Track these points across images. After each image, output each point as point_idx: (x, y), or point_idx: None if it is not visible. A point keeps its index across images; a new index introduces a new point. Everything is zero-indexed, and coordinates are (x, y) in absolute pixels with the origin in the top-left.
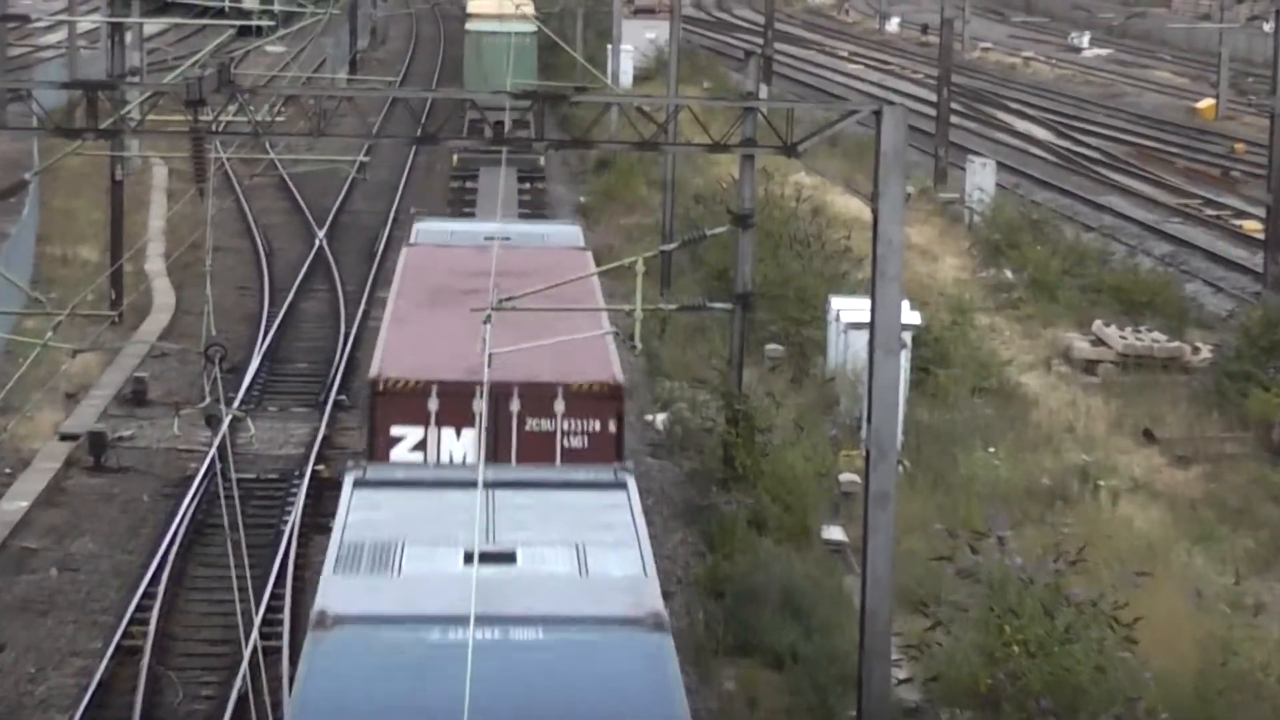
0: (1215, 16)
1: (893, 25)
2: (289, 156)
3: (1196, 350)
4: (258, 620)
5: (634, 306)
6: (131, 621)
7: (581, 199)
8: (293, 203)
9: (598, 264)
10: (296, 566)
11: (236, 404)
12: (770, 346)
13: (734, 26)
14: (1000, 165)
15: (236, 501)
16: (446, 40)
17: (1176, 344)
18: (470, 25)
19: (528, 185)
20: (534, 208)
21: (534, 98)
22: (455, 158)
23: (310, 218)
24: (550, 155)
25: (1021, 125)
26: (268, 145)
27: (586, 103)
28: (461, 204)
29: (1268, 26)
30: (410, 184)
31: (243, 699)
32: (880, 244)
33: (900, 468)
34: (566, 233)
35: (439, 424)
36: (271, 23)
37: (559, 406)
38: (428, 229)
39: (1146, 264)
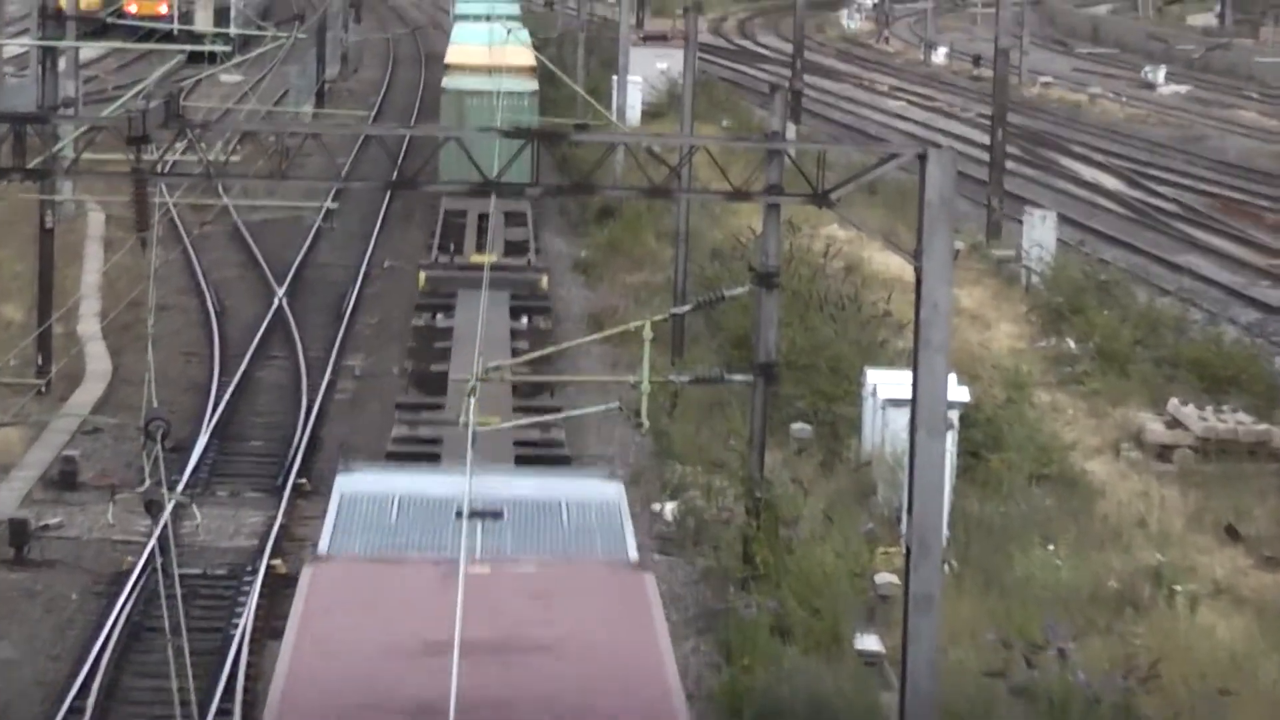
0: None
1: (940, 56)
2: (245, 202)
3: None
4: None
5: (640, 379)
6: None
7: (582, 253)
8: (249, 255)
9: (598, 327)
10: (247, 678)
11: (181, 488)
12: (797, 426)
13: (758, 56)
14: (1063, 218)
15: (179, 601)
16: (428, 68)
17: (1265, 427)
18: (449, 81)
19: (525, 322)
20: (539, 366)
21: (528, 136)
22: (423, 276)
23: (269, 272)
24: (546, 203)
25: (1088, 172)
26: (221, 189)
27: (588, 142)
28: (426, 359)
29: None
30: (385, 234)
31: None
32: (924, 308)
33: (946, 567)
34: (601, 503)
35: None
36: (226, 48)
37: None
38: (357, 494)
39: (1231, 334)
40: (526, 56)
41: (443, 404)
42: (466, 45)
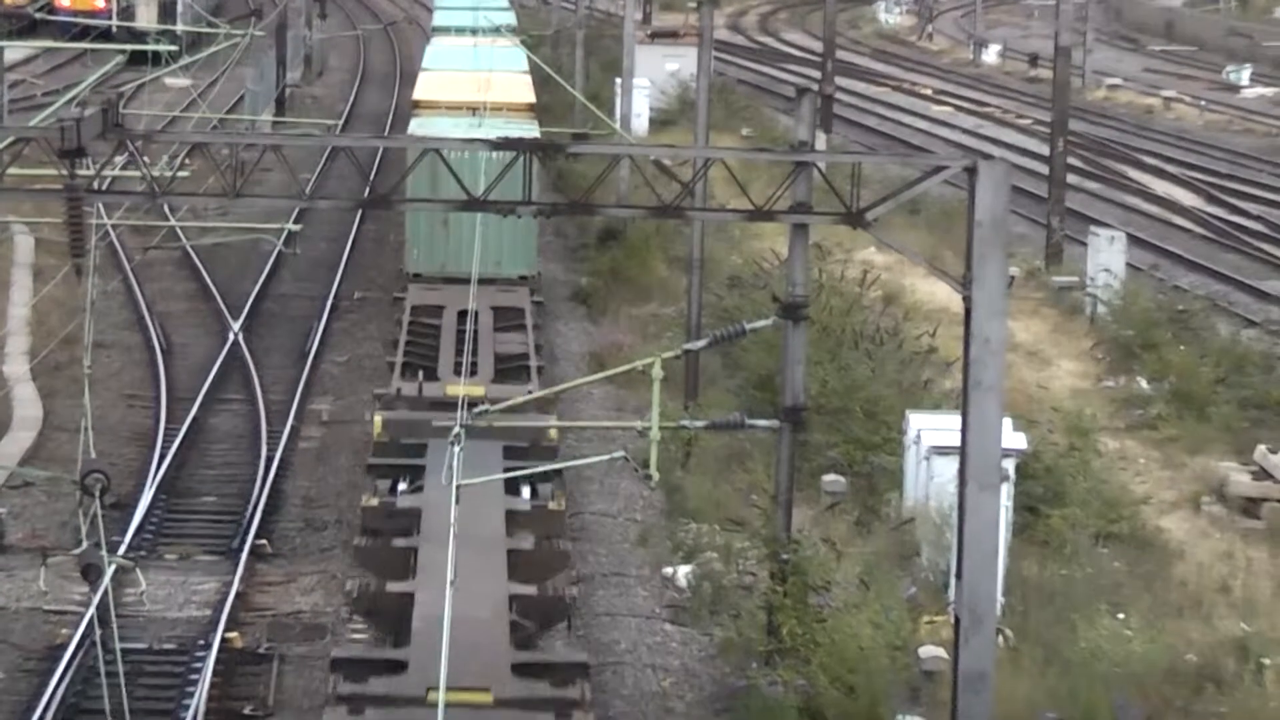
0: None
1: (991, 55)
2: (195, 224)
3: None
4: None
5: (649, 424)
6: None
7: (582, 281)
8: (199, 285)
9: (600, 366)
10: None
11: (122, 550)
12: (829, 478)
13: (782, 55)
14: (1132, 239)
15: (121, 680)
16: (404, 70)
17: None
18: (418, 125)
19: (527, 497)
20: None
21: (520, 149)
22: (379, 420)
23: (222, 304)
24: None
25: (1160, 187)
26: (167, 209)
27: (589, 155)
28: (381, 567)
29: None
30: (355, 260)
31: None
32: (974, 343)
33: (1000, 639)
34: None
35: None
36: (172, 48)
37: None
38: None
39: None
40: (524, 89)
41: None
42: (443, 74)
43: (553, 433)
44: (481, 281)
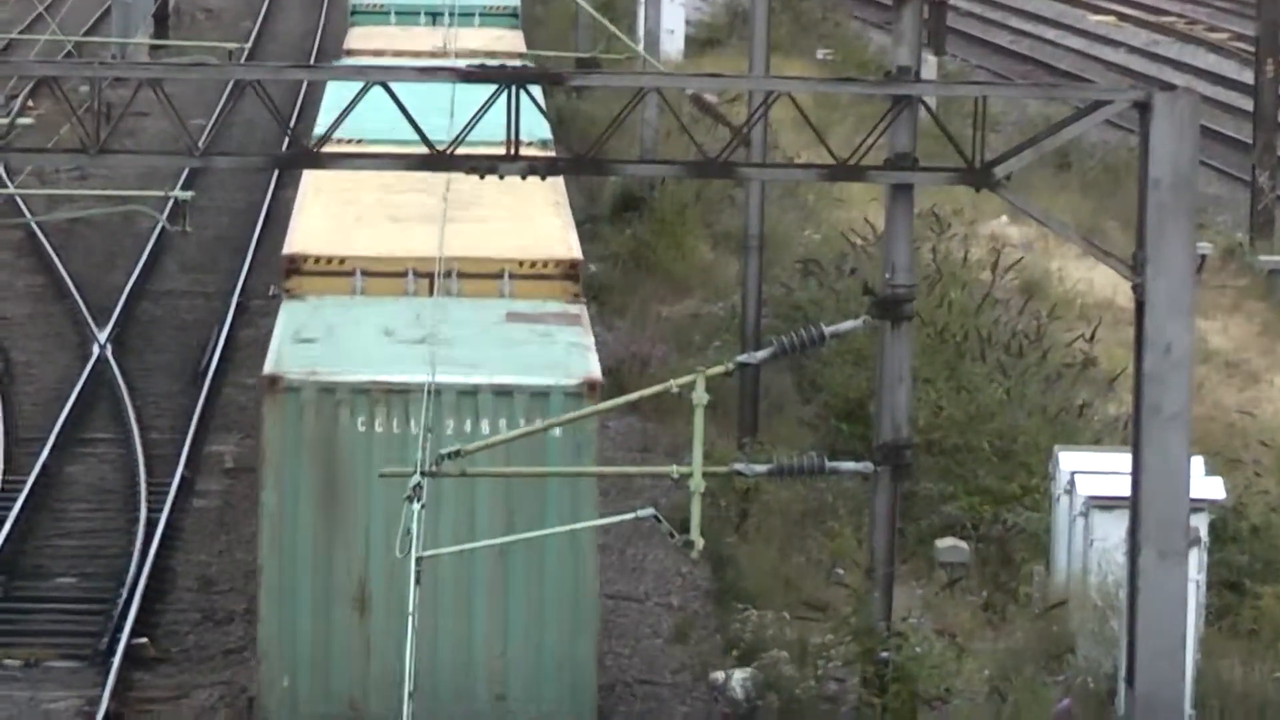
0: None
1: None
2: (43, 191)
3: None
4: None
5: (689, 470)
6: None
7: (592, 268)
8: (51, 278)
9: (620, 389)
10: None
11: None
12: (946, 543)
13: None
14: None
15: None
16: None
17: None
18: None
19: None
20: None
21: (503, 80)
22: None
23: (83, 305)
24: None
25: None
26: (2, 171)
27: (599, 88)
28: None
29: None
30: (269, 241)
31: None
32: (1150, 352)
33: None
34: None
35: None
36: None
37: None
38: None
39: None
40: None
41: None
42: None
43: None
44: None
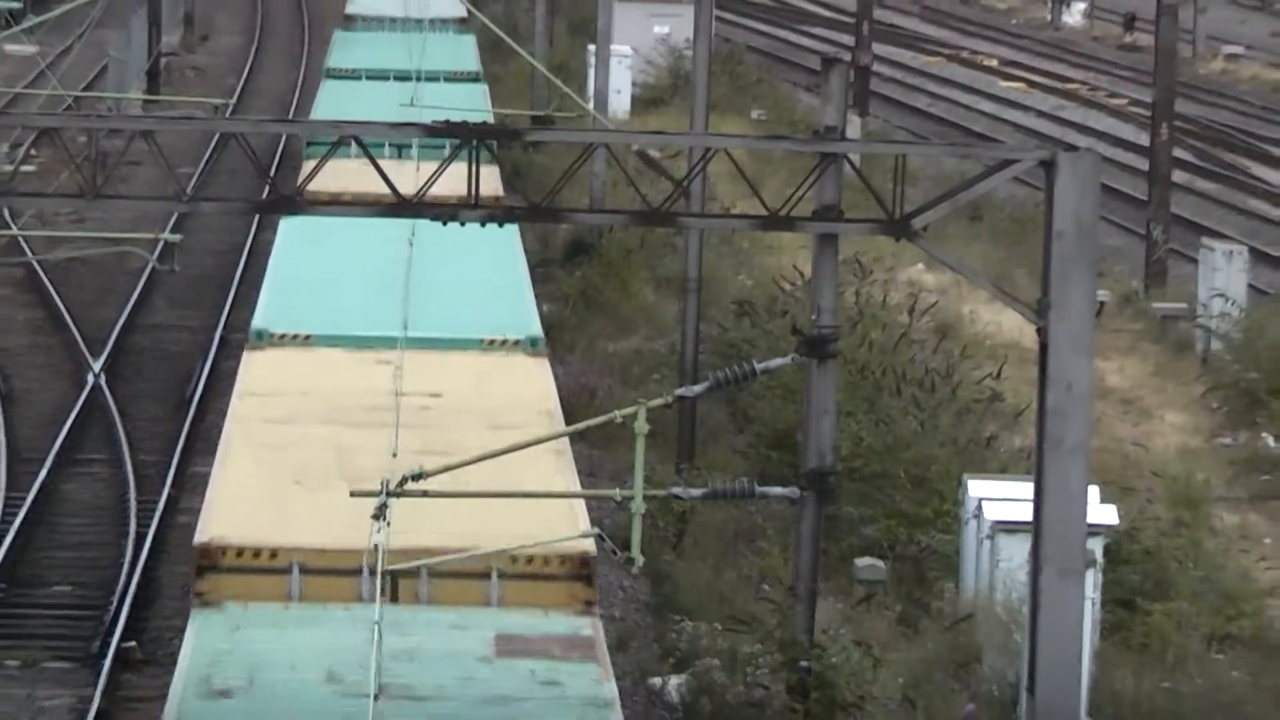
0: None
1: (1074, 16)
2: (43, 232)
3: None
4: None
5: (631, 493)
6: None
7: (544, 308)
8: (49, 312)
9: (568, 419)
10: None
11: None
12: (864, 562)
13: (804, 14)
14: (1257, 255)
15: None
16: (313, 31)
17: None
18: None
19: None
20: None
21: (464, 136)
22: None
23: (79, 338)
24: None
25: None
26: (7, 214)
27: (552, 143)
28: None
29: None
30: (250, 280)
31: None
32: (1053, 389)
33: None
34: None
35: None
36: (15, 4)
37: None
38: None
39: None
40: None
41: None
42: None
43: None
44: None
